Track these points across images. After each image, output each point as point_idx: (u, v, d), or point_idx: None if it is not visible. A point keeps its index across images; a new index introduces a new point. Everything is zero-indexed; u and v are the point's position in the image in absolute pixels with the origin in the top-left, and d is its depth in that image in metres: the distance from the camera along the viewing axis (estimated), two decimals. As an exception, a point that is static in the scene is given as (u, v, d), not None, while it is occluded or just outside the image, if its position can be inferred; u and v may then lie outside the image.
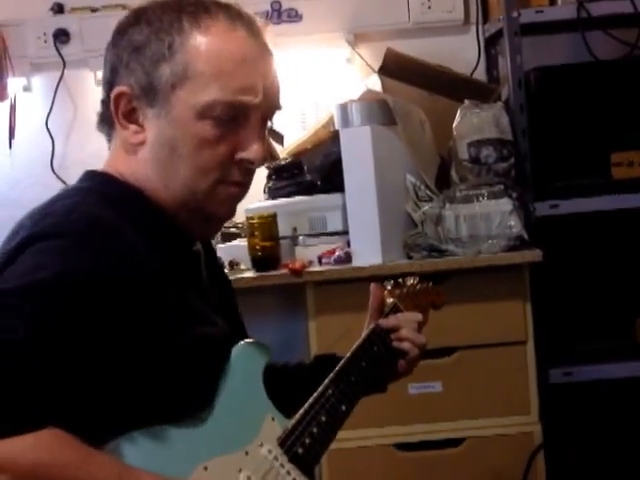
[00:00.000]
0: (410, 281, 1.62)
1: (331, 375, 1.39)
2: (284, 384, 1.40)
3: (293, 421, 1.30)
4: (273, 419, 1.28)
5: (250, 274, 2.60)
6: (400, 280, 1.61)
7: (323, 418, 1.33)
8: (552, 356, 2.62)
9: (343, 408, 1.38)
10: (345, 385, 1.40)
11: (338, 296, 2.54)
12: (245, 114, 1.28)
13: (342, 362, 1.44)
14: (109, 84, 1.31)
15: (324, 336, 2.55)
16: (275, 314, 2.99)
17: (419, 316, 1.56)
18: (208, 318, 1.31)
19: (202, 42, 1.26)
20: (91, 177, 1.34)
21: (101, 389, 1.13)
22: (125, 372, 1.15)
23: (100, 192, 1.28)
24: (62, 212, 1.21)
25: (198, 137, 1.27)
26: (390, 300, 1.57)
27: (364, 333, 1.53)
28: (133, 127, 1.29)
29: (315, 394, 1.35)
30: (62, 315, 1.09)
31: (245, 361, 1.27)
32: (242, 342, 1.29)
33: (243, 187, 1.33)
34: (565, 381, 2.64)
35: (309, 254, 2.65)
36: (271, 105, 1.32)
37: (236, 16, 1.29)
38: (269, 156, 1.31)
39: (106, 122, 1.34)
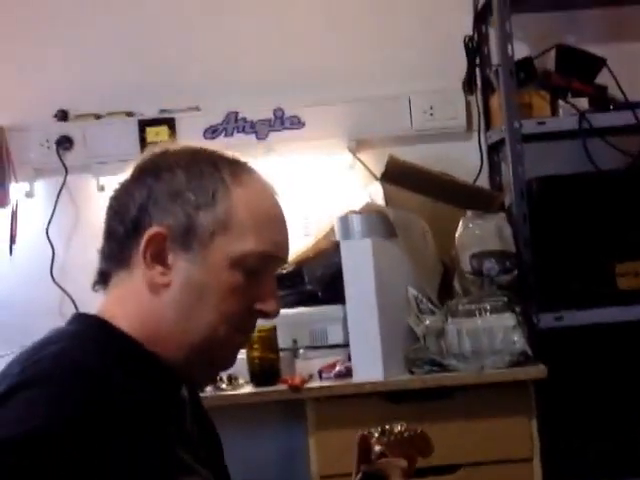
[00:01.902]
0: (397, 428, 1.58)
1: None
2: None
3: None
4: None
5: (249, 388, 2.56)
6: (387, 427, 1.57)
7: None
8: (560, 472, 2.56)
9: None
10: None
11: (338, 411, 2.50)
12: (269, 267, 1.33)
13: None
14: (133, 222, 1.30)
15: (324, 451, 2.51)
16: (274, 428, 2.94)
17: (403, 462, 1.52)
18: (190, 467, 1.28)
19: (242, 195, 1.30)
20: (81, 321, 1.33)
21: None
22: None
23: (90, 338, 1.27)
24: (48, 360, 1.21)
25: (228, 284, 1.28)
26: (377, 448, 1.53)
27: None
28: (159, 268, 1.29)
29: None
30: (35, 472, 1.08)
31: None
32: None
33: (250, 337, 1.37)
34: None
35: (310, 367, 2.61)
36: (285, 261, 1.37)
37: (263, 177, 1.36)
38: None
39: (116, 259, 1.32)
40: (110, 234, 1.33)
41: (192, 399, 1.41)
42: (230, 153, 1.36)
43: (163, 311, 1.29)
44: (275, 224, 1.33)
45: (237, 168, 1.33)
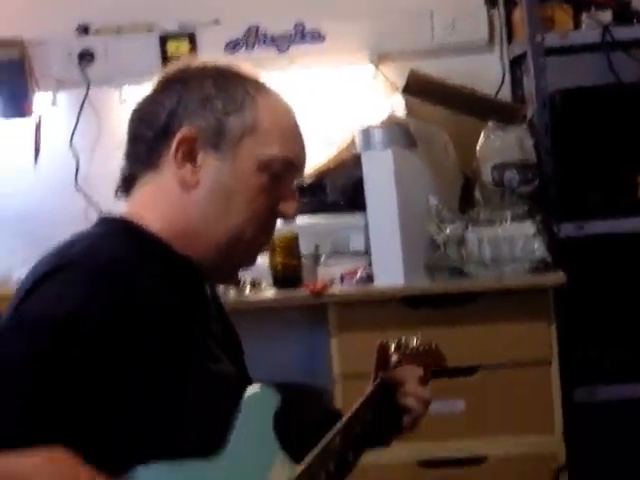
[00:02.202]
0: (413, 343, 1.66)
1: (338, 426, 1.39)
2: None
3: (302, 467, 1.29)
4: (282, 466, 1.27)
5: (271, 292, 2.60)
6: (403, 342, 1.64)
7: (331, 467, 1.32)
8: (577, 376, 2.60)
9: (350, 458, 1.38)
10: (351, 436, 1.40)
11: (360, 315, 2.55)
12: (290, 173, 1.38)
13: (349, 414, 1.44)
14: (163, 127, 1.33)
15: (346, 353, 2.57)
16: (297, 331, 2.99)
17: (419, 371, 1.58)
18: (218, 357, 1.32)
19: (266, 104, 1.36)
20: (108, 222, 1.35)
21: (107, 425, 1.14)
22: (132, 410, 1.16)
23: (117, 239, 1.30)
24: (80, 253, 1.24)
25: (255, 186, 1.33)
26: (395, 358, 1.60)
27: (369, 388, 1.53)
28: (189, 167, 1.33)
29: (322, 443, 1.34)
30: (65, 353, 1.12)
31: (256, 407, 1.26)
32: (253, 387, 1.28)
33: (270, 238, 1.42)
34: (589, 401, 2.62)
35: (331, 273, 2.66)
36: (302, 172, 1.43)
37: (279, 93, 1.42)
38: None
39: (144, 161, 1.35)
40: (137, 138, 1.35)
41: (214, 300, 1.45)
42: (248, 68, 1.40)
43: (192, 210, 1.32)
44: (295, 135, 1.38)
45: (258, 82, 1.38)
